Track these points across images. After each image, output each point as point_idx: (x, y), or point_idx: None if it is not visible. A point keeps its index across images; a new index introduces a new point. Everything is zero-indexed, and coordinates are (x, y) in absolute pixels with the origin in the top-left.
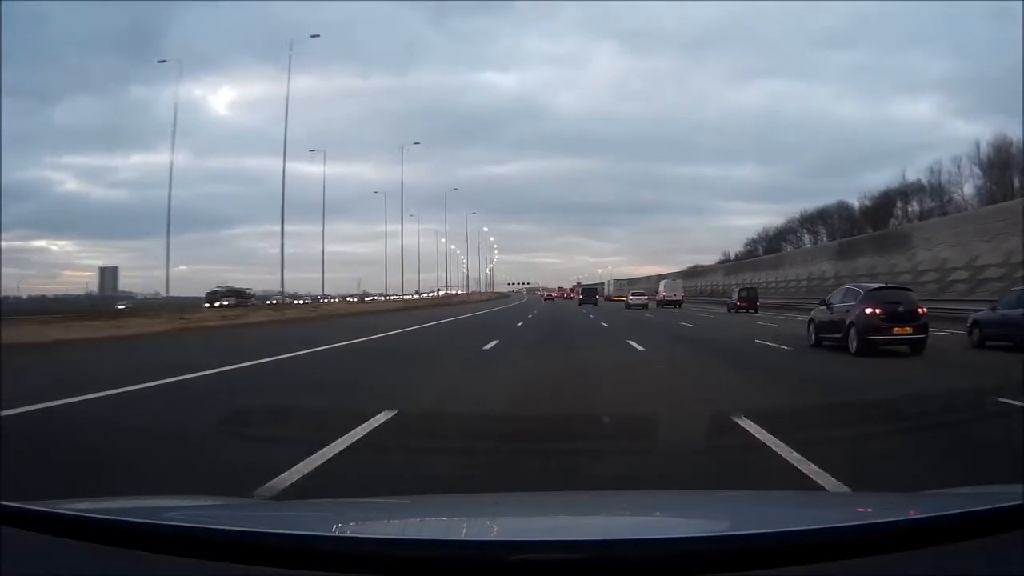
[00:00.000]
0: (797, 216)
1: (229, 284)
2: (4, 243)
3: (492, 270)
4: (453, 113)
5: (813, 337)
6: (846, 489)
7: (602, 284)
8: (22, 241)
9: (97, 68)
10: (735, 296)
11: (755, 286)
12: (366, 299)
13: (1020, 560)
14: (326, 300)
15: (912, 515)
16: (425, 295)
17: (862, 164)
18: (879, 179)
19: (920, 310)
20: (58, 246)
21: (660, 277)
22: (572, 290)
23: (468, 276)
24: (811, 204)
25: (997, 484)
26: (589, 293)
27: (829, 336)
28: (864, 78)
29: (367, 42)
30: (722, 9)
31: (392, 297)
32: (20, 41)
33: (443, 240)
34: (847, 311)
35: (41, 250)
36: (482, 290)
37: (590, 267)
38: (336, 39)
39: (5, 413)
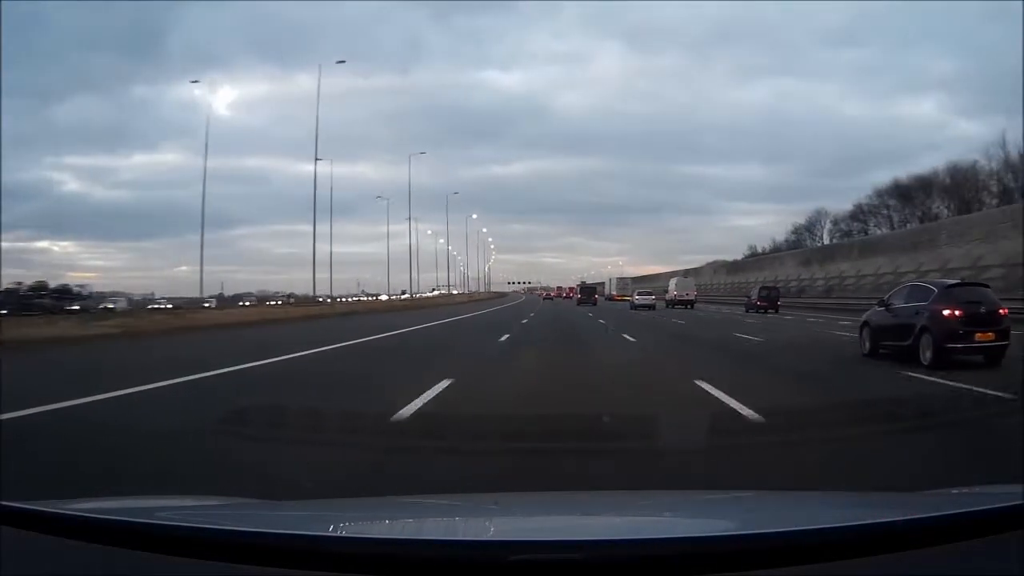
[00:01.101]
0: (886, 187)
1: (41, 279)
2: (6, 244)
3: (490, 269)
4: (456, 113)
5: (867, 344)
6: None
7: (602, 283)
8: (24, 242)
9: (98, 68)
10: (755, 295)
11: (777, 285)
12: (320, 299)
13: (1020, 560)
14: (245, 304)
15: (912, 515)
16: (403, 296)
17: (867, 164)
18: (885, 179)
19: (1002, 311)
20: (60, 247)
21: (670, 275)
22: (572, 290)
23: (449, 275)
24: (815, 205)
25: (997, 484)
26: (588, 292)
27: (891, 344)
28: (869, 77)
29: (368, 41)
30: (726, 7)
31: (359, 298)
32: (20, 41)
33: (439, 240)
34: (916, 313)
35: (43, 251)
36: (480, 289)
37: (595, 267)
38: (336, 38)
39: None
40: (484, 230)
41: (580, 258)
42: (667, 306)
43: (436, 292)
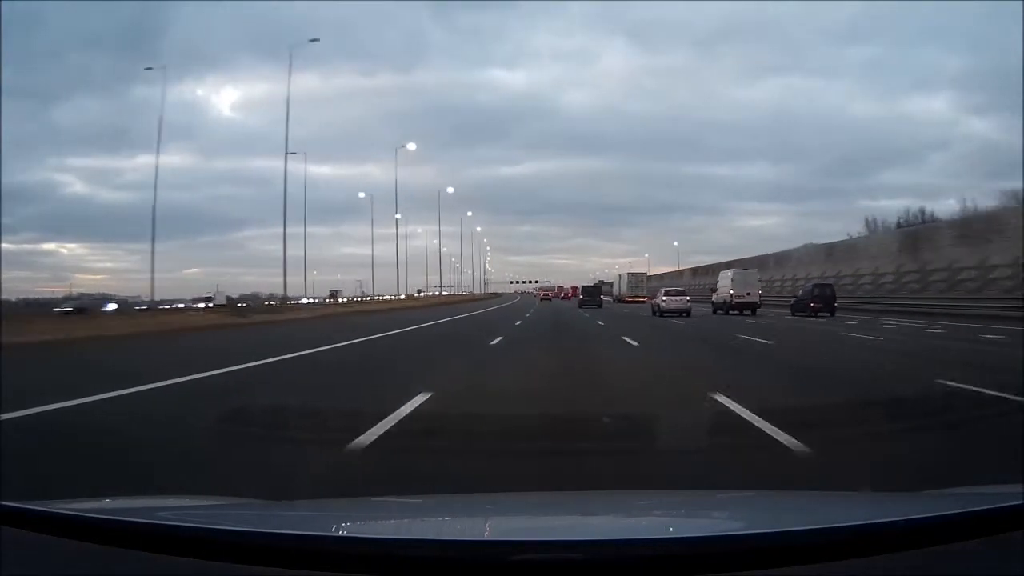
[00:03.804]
0: None
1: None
2: (14, 246)
3: (485, 270)
4: (462, 112)
5: None
6: None
7: (611, 283)
8: (31, 244)
9: (98, 68)
10: (807, 294)
11: (830, 282)
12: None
13: (1020, 560)
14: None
15: (912, 515)
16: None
17: (876, 163)
18: (894, 179)
19: None
20: (67, 249)
21: (723, 266)
22: (575, 289)
23: (443, 276)
24: (824, 205)
25: (997, 484)
26: (592, 292)
27: None
28: (879, 74)
29: (370, 39)
30: (732, 4)
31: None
32: (20, 41)
33: (433, 241)
34: None
35: (50, 253)
36: (476, 290)
37: (604, 268)
38: (338, 37)
39: None
40: (481, 233)
41: (590, 259)
42: (714, 311)
43: (422, 293)
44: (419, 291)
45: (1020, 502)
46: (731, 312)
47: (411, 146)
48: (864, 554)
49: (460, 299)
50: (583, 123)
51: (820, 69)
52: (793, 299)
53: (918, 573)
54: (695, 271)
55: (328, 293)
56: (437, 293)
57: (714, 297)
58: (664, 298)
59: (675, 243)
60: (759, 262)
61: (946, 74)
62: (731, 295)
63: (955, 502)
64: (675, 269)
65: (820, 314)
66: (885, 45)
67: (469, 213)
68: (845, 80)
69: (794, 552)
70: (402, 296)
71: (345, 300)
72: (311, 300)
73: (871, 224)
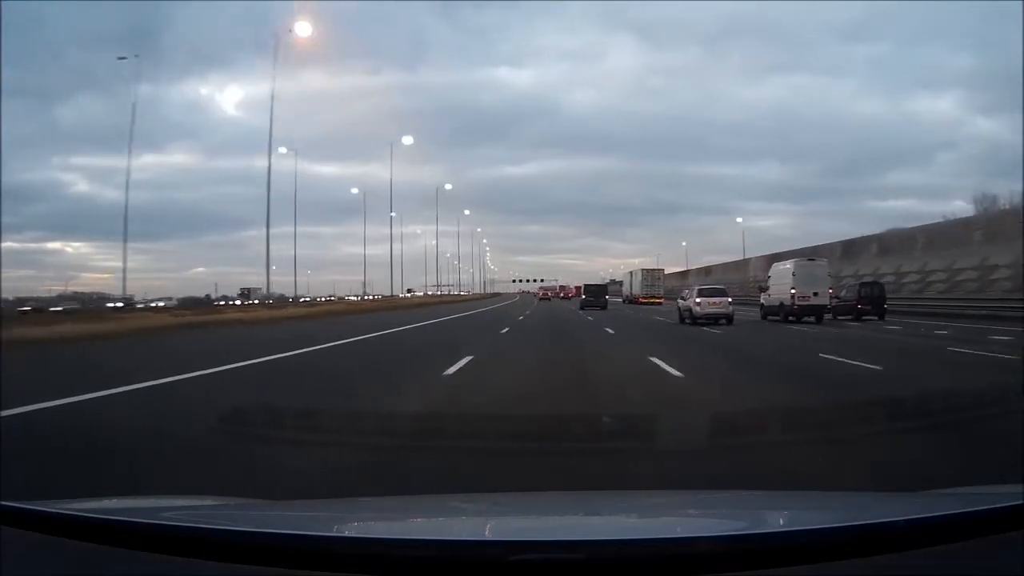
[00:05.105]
0: None
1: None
2: (18, 245)
3: (485, 269)
4: (467, 110)
5: None
6: None
7: (619, 283)
8: (36, 243)
9: (100, 66)
10: (852, 294)
11: (879, 280)
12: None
13: (1020, 560)
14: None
15: (912, 515)
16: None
17: (882, 163)
18: (901, 179)
19: None
20: (72, 248)
21: (773, 258)
22: (578, 288)
23: (439, 276)
24: (830, 206)
25: (997, 484)
26: (596, 293)
27: None
28: (885, 73)
29: (374, 38)
30: (738, 1)
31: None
32: (21, 40)
33: (432, 242)
34: None
35: (56, 252)
36: (476, 290)
37: (612, 267)
38: (341, 35)
39: None
40: (482, 232)
41: (597, 259)
42: (763, 316)
43: (412, 293)
44: (409, 291)
45: (1020, 502)
46: (788, 319)
47: (407, 140)
48: (864, 554)
49: (452, 299)
50: (587, 122)
51: (825, 68)
52: (835, 300)
53: (918, 573)
54: (763, 258)
55: (239, 291)
56: (434, 292)
57: (764, 298)
58: (698, 299)
59: (681, 246)
60: (826, 252)
61: (953, 73)
62: (792, 295)
63: (955, 502)
64: (718, 263)
65: (865, 317)
66: (891, 43)
67: (467, 212)
68: (851, 79)
69: (794, 552)
70: (368, 297)
71: (232, 303)
72: (124, 303)
73: (979, 202)
